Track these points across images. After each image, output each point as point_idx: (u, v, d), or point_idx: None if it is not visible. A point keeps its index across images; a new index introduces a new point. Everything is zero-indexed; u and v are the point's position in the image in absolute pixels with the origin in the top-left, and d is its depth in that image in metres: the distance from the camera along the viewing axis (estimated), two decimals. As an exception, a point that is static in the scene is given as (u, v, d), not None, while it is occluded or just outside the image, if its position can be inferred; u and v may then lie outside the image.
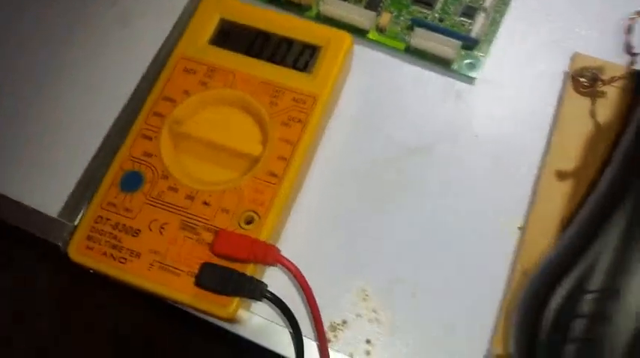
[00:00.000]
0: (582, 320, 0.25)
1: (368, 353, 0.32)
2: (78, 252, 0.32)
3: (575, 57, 0.36)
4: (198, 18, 0.37)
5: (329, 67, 0.35)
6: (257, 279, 0.30)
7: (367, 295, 0.33)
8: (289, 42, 0.36)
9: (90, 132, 0.37)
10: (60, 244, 0.34)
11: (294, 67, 0.35)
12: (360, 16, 0.38)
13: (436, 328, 0.32)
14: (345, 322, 0.32)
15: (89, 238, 0.32)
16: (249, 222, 0.32)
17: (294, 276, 0.30)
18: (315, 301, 0.30)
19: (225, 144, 0.33)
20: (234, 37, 0.36)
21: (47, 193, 0.35)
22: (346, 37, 0.36)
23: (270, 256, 0.30)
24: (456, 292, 0.33)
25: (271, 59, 0.36)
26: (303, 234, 0.34)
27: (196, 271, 0.31)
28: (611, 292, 0.25)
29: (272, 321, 0.32)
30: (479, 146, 0.36)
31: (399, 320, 0.32)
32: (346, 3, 0.39)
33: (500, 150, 0.36)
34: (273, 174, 0.33)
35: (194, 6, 0.38)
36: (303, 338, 0.30)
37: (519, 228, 0.33)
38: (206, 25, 0.37)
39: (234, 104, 0.35)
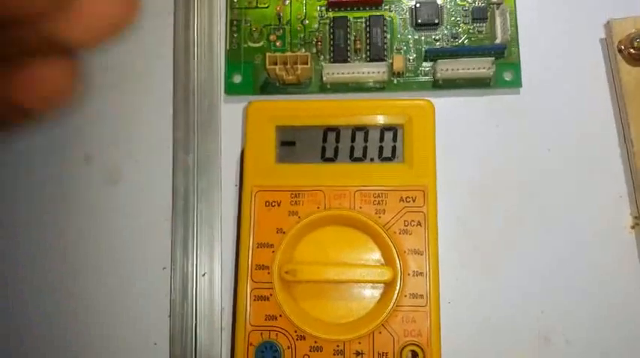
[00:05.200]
0: None
1: None
2: None
3: (611, 24, 0.32)
4: (252, 131, 0.32)
5: (422, 145, 0.30)
6: None
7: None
8: (364, 131, 0.31)
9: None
10: None
11: (382, 159, 0.31)
12: (371, 72, 0.33)
13: None
14: None
15: None
16: (414, 356, 0.29)
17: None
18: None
19: (350, 278, 0.30)
20: (302, 145, 0.31)
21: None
22: (427, 104, 0.31)
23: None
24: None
25: (353, 159, 0.31)
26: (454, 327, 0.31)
27: None
28: None
29: None
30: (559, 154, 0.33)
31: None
32: (349, 64, 0.34)
33: (577, 153, 0.33)
34: (418, 296, 0.29)
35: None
36: None
37: (632, 227, 0.31)
38: (263, 142, 0.31)
39: (337, 225, 0.31)
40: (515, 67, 0.34)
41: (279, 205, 0.31)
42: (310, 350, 0.29)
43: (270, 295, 0.30)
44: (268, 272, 0.30)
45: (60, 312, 0.33)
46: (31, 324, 0.33)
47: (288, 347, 0.30)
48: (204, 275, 0.33)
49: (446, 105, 0.33)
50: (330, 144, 0.31)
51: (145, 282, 0.33)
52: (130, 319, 0.33)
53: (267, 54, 0.33)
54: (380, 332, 0.29)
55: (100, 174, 0.35)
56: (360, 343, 0.29)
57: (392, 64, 0.34)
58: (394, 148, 0.31)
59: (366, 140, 0.31)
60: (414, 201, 0.30)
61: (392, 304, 0.29)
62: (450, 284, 0.31)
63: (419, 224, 0.30)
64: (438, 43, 0.34)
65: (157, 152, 0.34)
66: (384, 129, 0.31)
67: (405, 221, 0.30)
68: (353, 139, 0.31)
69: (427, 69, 0.34)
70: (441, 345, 0.29)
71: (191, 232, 0.34)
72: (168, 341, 0.32)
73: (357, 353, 0.29)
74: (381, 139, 0.31)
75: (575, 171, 0.33)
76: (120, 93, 0.35)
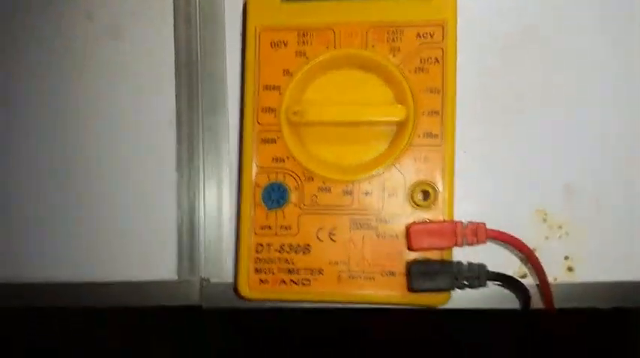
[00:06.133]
0: None
1: (570, 269, 0.29)
2: (253, 290, 0.29)
3: None
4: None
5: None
6: (477, 265, 0.27)
7: (546, 214, 0.30)
8: (379, -38, 0.29)
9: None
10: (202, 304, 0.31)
11: (400, -7, 0.29)
12: None
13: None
14: (534, 249, 0.29)
15: (258, 271, 0.29)
16: (426, 196, 0.28)
17: (510, 244, 0.27)
18: (534, 255, 0.27)
19: (361, 118, 0.28)
20: (311, -19, 0.30)
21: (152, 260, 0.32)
22: None
23: (480, 235, 0.26)
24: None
25: (368, -7, 0.29)
26: (470, 183, 0.30)
27: (390, 269, 0.27)
28: None
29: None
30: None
31: (585, 221, 0.30)
32: None
33: None
34: (432, 135, 0.28)
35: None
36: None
37: None
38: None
39: (348, 66, 0.29)
40: None
41: (285, 45, 0.29)
42: (319, 191, 0.28)
43: (278, 138, 0.29)
44: (275, 115, 0.29)
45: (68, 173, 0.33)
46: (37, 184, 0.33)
47: (296, 188, 0.29)
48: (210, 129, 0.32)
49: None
50: (344, -22, 0.29)
51: (152, 137, 0.32)
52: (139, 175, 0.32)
53: None
54: (390, 172, 0.28)
55: (102, 30, 0.33)
56: (370, 182, 0.28)
57: None
58: (411, -20, 0.29)
59: (381, -27, 0.29)
60: (432, 36, 0.28)
61: (405, 143, 0.28)
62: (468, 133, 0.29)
63: (436, 61, 0.28)
64: None
65: (157, 3, 0.33)
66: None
67: (421, 58, 0.28)
68: (368, -29, 0.29)
69: None
70: (452, 189, 0.28)
71: (195, 87, 0.32)
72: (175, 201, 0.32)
73: (367, 193, 0.28)
74: (399, -29, 0.29)
75: None
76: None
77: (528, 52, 0.30)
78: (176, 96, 0.32)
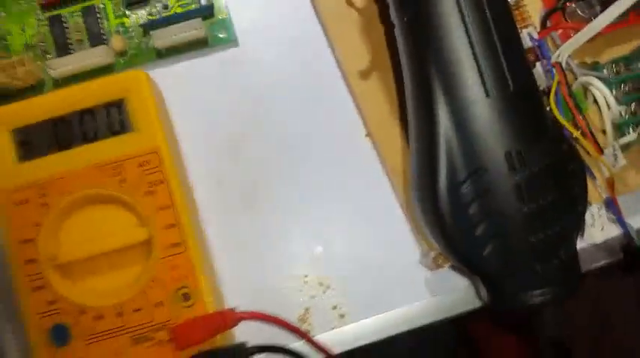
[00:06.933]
0: (473, 204, 0.27)
1: (342, 316, 0.35)
2: None
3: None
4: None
5: (146, 113, 0.33)
6: (237, 345, 0.32)
7: (306, 276, 0.35)
8: (91, 112, 0.33)
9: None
10: None
11: (114, 133, 0.33)
12: (96, 56, 0.35)
13: (374, 259, 0.35)
14: (307, 309, 0.34)
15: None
16: (187, 298, 0.32)
17: (259, 319, 0.32)
18: (287, 322, 0.32)
19: (112, 246, 0.32)
20: (36, 142, 0.33)
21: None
22: (139, 74, 0.34)
23: (230, 320, 0.31)
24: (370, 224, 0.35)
25: (87, 139, 0.33)
26: (230, 269, 0.35)
27: (176, 370, 0.31)
28: (478, 172, 0.27)
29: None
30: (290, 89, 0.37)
31: (340, 274, 0.35)
32: (72, 55, 0.36)
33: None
34: (176, 244, 0.32)
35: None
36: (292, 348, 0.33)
37: (366, 136, 0.36)
38: (0, 147, 0.33)
39: (88, 205, 0.33)
40: (225, 22, 0.37)
41: (27, 202, 0.32)
42: (94, 319, 0.32)
43: (45, 284, 0.32)
44: (38, 265, 0.32)
45: None
46: None
47: (74, 324, 0.32)
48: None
49: (174, 70, 0.36)
50: (62, 133, 0.33)
51: None
52: None
53: (-15, 66, 0.34)
54: (151, 286, 0.32)
55: None
56: (134, 300, 0.32)
57: (113, 45, 0.36)
58: (122, 121, 0.33)
59: (95, 120, 0.33)
60: (149, 163, 0.33)
61: (156, 258, 0.32)
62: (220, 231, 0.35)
63: (161, 182, 0.32)
64: (151, 17, 0.37)
65: None
66: (109, 105, 0.33)
67: (147, 182, 0.32)
68: (81, 123, 0.33)
69: (148, 42, 0.36)
70: (215, 282, 0.32)
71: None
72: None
73: (136, 310, 0.32)
74: (108, 115, 0.33)
75: (311, 107, 0.36)
76: None
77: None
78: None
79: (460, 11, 0.27)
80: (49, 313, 0.32)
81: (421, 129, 0.28)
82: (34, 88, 0.36)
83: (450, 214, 0.27)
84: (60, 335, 0.32)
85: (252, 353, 0.32)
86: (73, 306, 0.32)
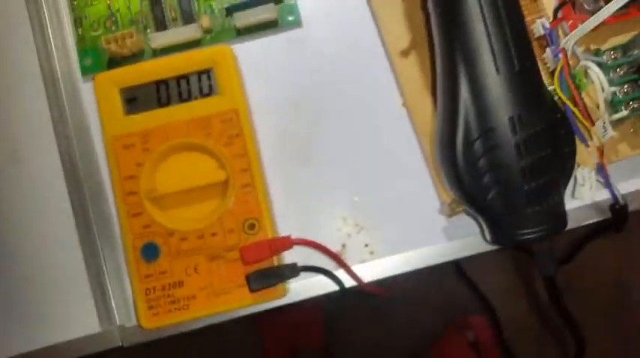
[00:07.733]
0: (482, 158, 0.34)
1: (372, 253, 0.42)
2: (149, 321, 0.40)
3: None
4: (101, 96, 0.42)
5: (229, 80, 0.41)
6: (289, 264, 0.40)
7: (345, 219, 0.43)
8: (186, 78, 0.42)
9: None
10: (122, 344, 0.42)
11: (203, 95, 0.42)
12: (187, 32, 0.43)
13: (400, 208, 0.42)
14: (344, 245, 0.42)
15: (150, 308, 0.40)
16: (252, 227, 0.40)
17: (309, 246, 0.40)
18: (330, 250, 0.40)
19: (197, 184, 0.41)
20: (141, 99, 0.42)
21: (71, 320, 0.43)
22: (226, 49, 0.42)
23: (287, 244, 0.39)
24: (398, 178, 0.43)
25: (182, 99, 0.42)
26: (285, 208, 0.43)
27: (241, 282, 0.40)
28: (487, 132, 0.34)
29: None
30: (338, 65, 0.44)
31: (372, 218, 0.42)
32: (168, 31, 0.44)
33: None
34: (247, 185, 0.41)
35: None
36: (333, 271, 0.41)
37: (402, 105, 0.43)
38: (112, 102, 0.42)
39: (180, 151, 0.41)
40: (292, 7, 0.45)
41: (134, 147, 0.41)
42: (180, 241, 0.41)
43: (143, 211, 0.41)
44: (137, 196, 0.41)
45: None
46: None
47: (164, 243, 0.41)
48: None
49: (250, 46, 0.44)
50: (162, 93, 0.42)
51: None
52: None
53: (103, 37, 0.43)
54: (226, 217, 0.40)
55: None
56: (213, 226, 0.40)
57: (201, 24, 0.44)
58: (210, 86, 0.42)
59: (188, 83, 0.42)
60: (230, 120, 0.41)
61: (230, 195, 0.40)
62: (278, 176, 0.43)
63: (237, 135, 0.41)
64: (233, 1, 0.45)
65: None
66: (200, 73, 0.42)
67: (227, 135, 0.41)
68: (178, 86, 0.42)
69: (230, 22, 0.44)
70: (274, 216, 0.41)
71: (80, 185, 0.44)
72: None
73: (213, 234, 0.40)
74: (200, 80, 0.42)
75: (358, 79, 0.44)
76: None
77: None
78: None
79: (480, 8, 0.34)
80: (144, 234, 0.41)
81: (446, 97, 0.36)
82: (136, 56, 0.45)
83: (464, 165, 0.35)
84: (151, 252, 0.41)
85: (301, 271, 0.40)
86: (164, 229, 0.41)
